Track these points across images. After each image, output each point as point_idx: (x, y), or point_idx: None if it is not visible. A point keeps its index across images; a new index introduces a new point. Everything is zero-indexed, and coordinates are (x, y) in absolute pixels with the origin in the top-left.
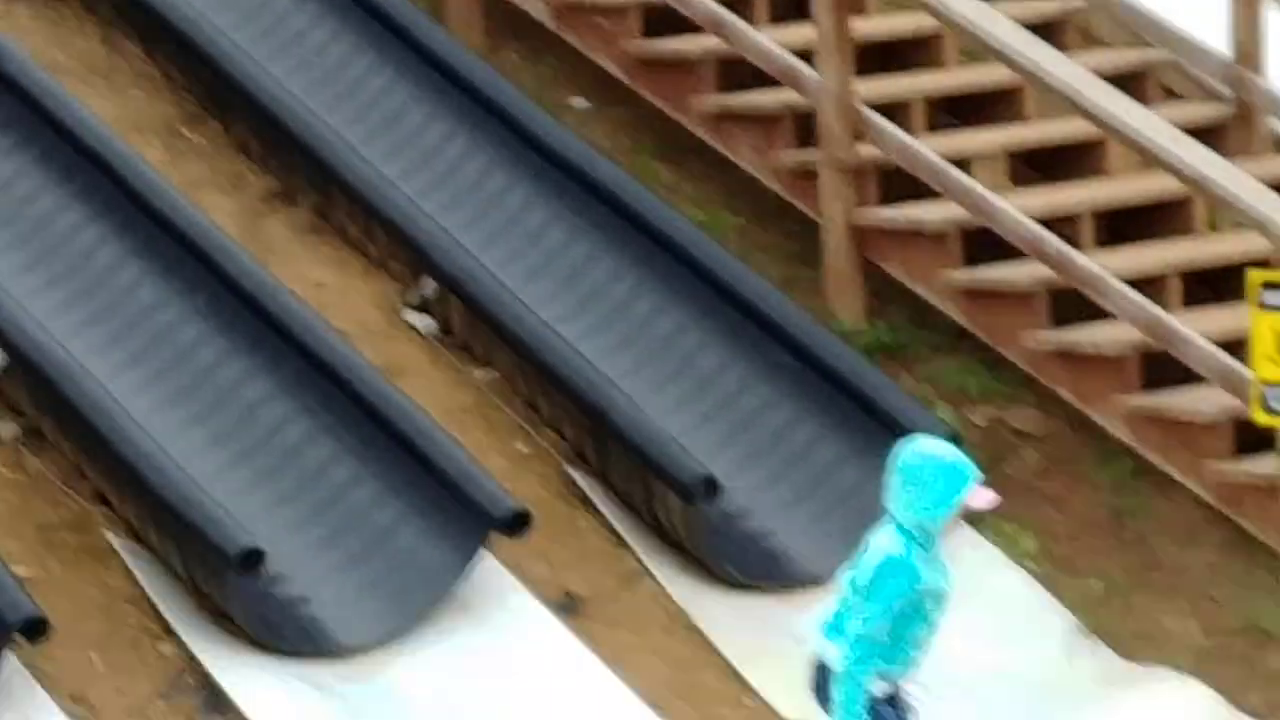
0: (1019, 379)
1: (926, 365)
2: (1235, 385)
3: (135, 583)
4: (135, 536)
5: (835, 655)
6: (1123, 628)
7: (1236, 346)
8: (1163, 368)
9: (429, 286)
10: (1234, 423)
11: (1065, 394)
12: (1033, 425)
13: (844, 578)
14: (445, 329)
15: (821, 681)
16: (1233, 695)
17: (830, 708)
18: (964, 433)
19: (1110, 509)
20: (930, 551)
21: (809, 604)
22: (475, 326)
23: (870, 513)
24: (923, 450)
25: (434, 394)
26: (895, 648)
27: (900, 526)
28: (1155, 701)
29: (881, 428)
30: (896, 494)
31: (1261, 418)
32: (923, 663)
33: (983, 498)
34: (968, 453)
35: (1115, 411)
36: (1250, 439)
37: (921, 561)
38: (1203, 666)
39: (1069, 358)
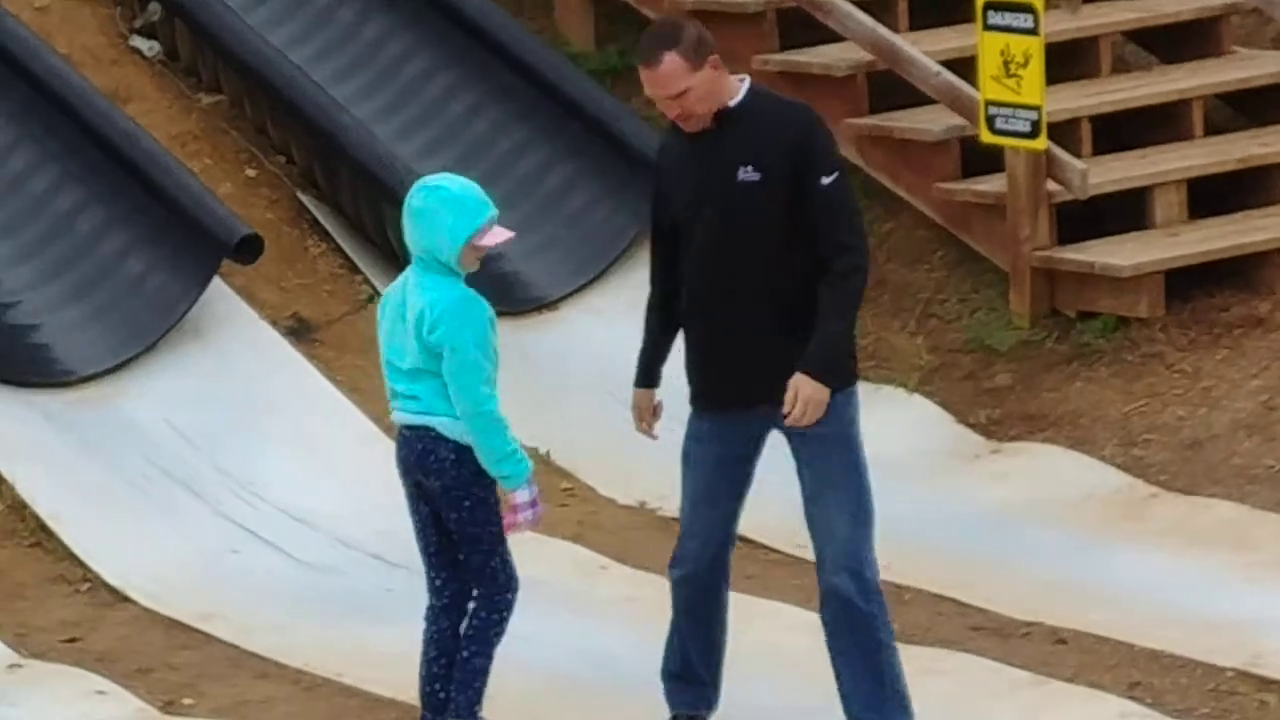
0: None
1: None
2: (962, 105)
3: None
4: None
5: (447, 420)
6: None
7: (963, 67)
8: (891, 89)
9: (154, 10)
10: (960, 142)
11: None
12: None
13: (392, 352)
14: (171, 54)
15: (430, 447)
16: (959, 412)
17: (444, 473)
18: None
19: None
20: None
21: (537, 325)
22: (202, 51)
23: (598, 236)
24: (432, 184)
25: (161, 120)
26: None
27: (434, 271)
28: (883, 419)
29: (614, 152)
30: (413, 235)
31: (988, 137)
32: None
33: (496, 236)
34: None
35: (843, 133)
36: (977, 159)
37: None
38: (929, 384)
39: (797, 78)
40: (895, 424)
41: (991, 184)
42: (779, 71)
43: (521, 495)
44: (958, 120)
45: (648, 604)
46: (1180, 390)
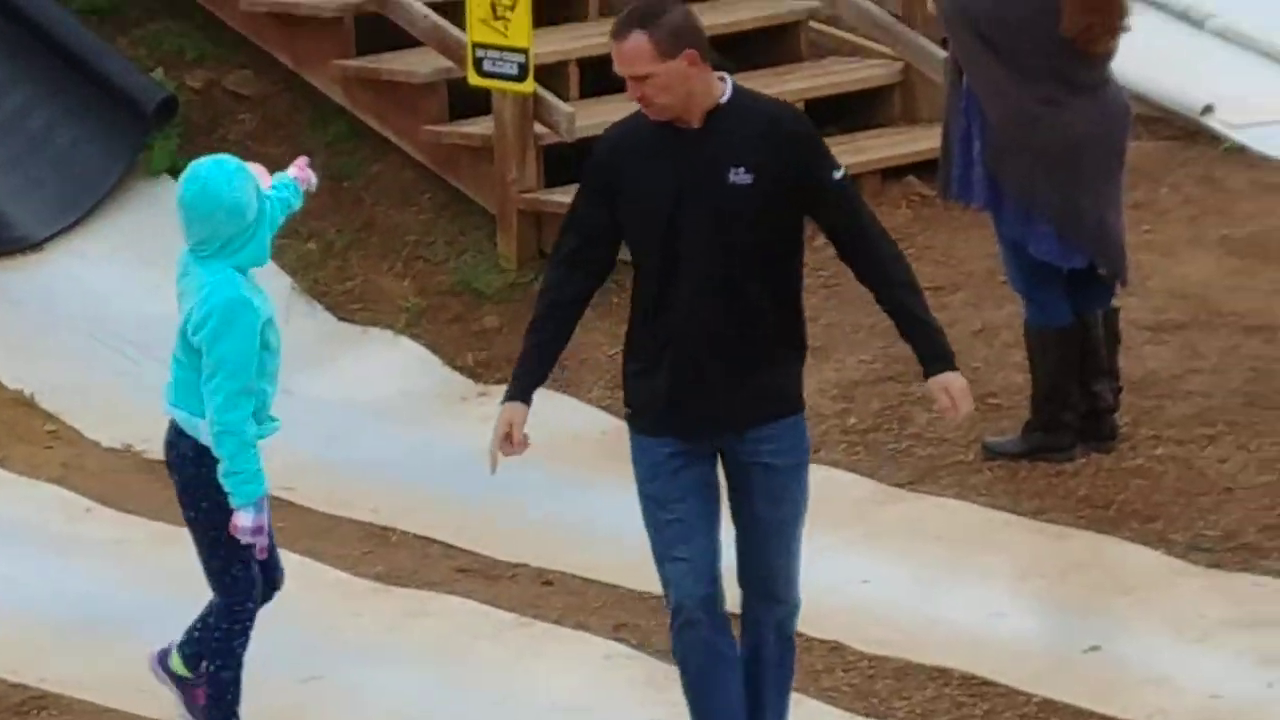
0: (235, 41)
1: (142, 28)
2: (450, 48)
3: None
4: None
5: (202, 425)
6: (339, 288)
7: (454, 11)
8: (380, 31)
9: None
10: (448, 85)
11: (281, 57)
12: (249, 88)
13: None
14: None
15: (174, 440)
16: (446, 354)
17: (183, 469)
18: (180, 96)
19: (326, 171)
20: (248, 276)
21: (21, 266)
22: None
23: (84, 177)
24: (201, 171)
25: None
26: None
27: (215, 264)
28: (371, 361)
29: (98, 92)
30: (195, 228)
31: (475, 80)
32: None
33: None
34: (184, 115)
35: (330, 74)
36: (465, 102)
37: (250, 291)
38: (416, 326)
39: (284, 20)
40: (383, 366)
41: (479, 126)
42: (268, 14)
43: (242, 519)
44: (446, 63)
45: (134, 546)
46: None
